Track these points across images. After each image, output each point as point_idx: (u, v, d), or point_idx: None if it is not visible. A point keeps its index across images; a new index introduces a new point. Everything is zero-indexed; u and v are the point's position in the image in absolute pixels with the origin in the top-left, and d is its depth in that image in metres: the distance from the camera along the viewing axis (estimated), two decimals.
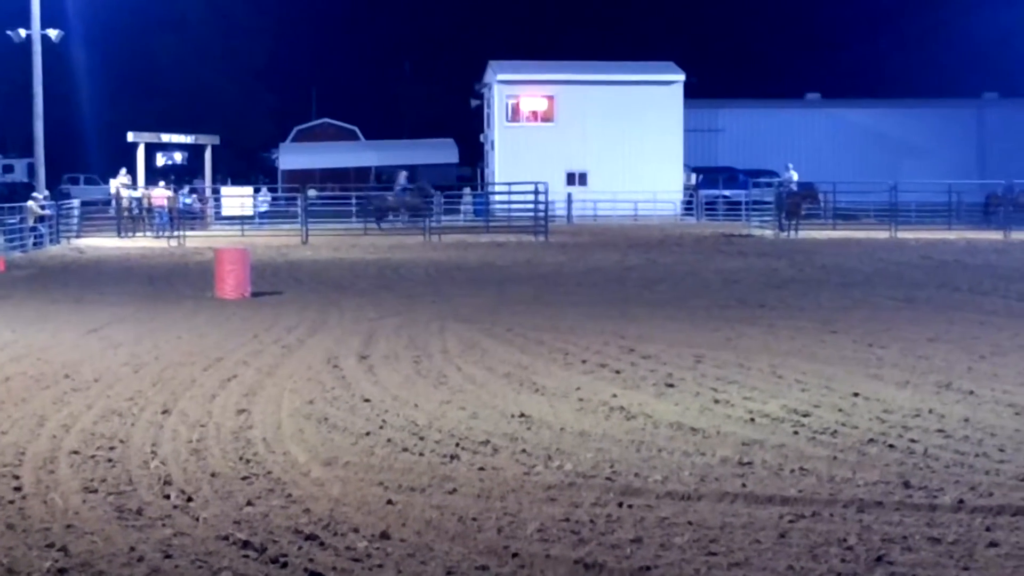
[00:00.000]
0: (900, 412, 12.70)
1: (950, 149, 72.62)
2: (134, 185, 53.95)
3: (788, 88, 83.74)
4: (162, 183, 55.78)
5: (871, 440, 11.43)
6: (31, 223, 42.20)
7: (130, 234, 48.69)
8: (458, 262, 35.42)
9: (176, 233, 45.64)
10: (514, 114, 67.53)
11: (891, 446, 11.21)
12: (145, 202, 51.08)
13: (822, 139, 73.50)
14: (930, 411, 12.74)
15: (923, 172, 63.76)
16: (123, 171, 53.99)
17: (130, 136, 58.74)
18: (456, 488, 9.88)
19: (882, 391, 13.90)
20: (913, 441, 11.39)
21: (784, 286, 27.45)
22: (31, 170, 60.18)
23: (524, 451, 11.11)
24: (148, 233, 48.59)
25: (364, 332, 19.33)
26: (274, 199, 62.45)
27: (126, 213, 50.45)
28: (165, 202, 50.27)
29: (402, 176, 56.91)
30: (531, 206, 51.13)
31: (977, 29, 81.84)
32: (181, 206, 50.87)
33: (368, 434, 11.84)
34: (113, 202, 52.03)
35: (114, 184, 52.75)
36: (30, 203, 42.74)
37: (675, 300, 24.61)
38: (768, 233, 48.28)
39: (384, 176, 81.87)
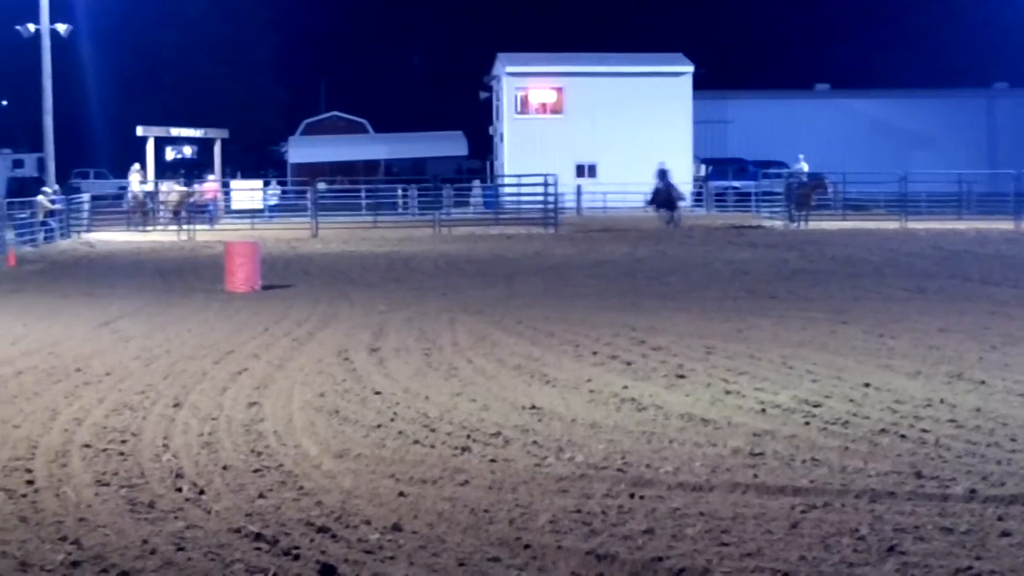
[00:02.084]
0: (911, 402, 12.68)
1: (960, 139, 72.55)
2: (145, 179, 54.10)
3: (797, 79, 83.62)
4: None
5: (883, 430, 11.42)
6: (41, 217, 42.27)
7: (143, 228, 48.78)
8: (468, 254, 35.42)
9: (187, 227, 45.70)
10: (523, 106, 67.55)
11: (903, 436, 11.19)
12: (197, 197, 51.26)
13: (832, 130, 73.38)
14: (941, 401, 12.72)
15: (933, 162, 63.67)
16: (136, 166, 54.06)
17: (139, 130, 58.85)
18: (468, 480, 9.89)
19: (893, 381, 13.88)
20: (925, 431, 11.37)
21: (794, 277, 27.43)
22: (41, 165, 60.29)
23: (535, 443, 11.11)
24: (159, 227, 48.62)
25: (375, 325, 19.33)
26: (284, 192, 62.51)
27: (141, 208, 50.59)
28: (215, 194, 50.84)
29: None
30: (541, 198, 51.14)
31: (987, 19, 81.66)
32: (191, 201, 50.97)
33: (379, 426, 11.84)
34: (130, 196, 51.95)
35: (136, 180, 52.64)
36: (40, 198, 42.83)
37: (685, 291, 24.59)
38: (778, 224, 48.25)
39: (395, 169, 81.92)
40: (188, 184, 52.63)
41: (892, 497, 9.24)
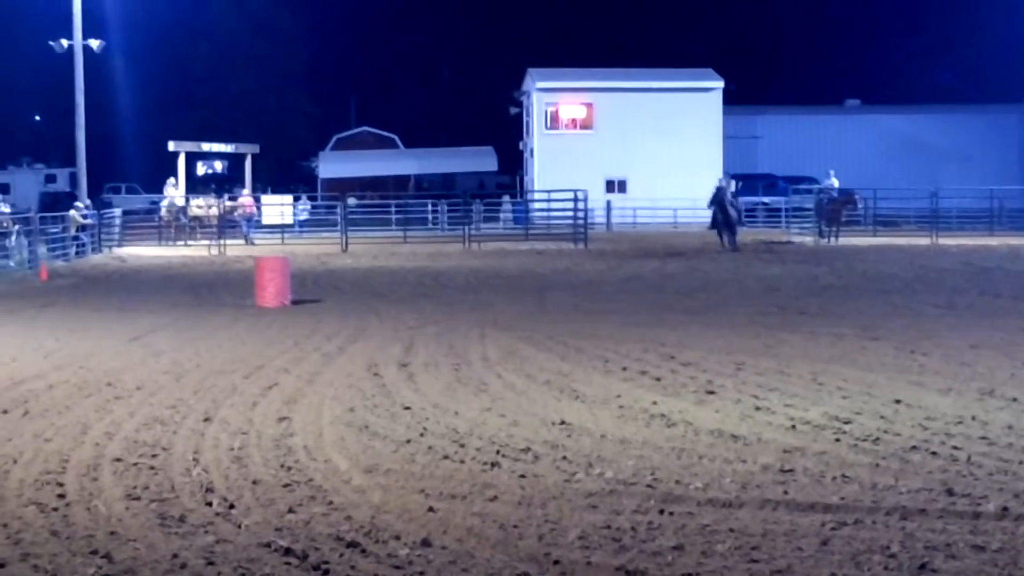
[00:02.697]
0: (943, 419, 12.62)
1: (992, 155, 72.21)
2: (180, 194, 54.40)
3: (827, 94, 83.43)
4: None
5: (914, 447, 11.37)
6: (73, 232, 42.51)
7: (177, 243, 49.02)
8: (498, 269, 35.44)
9: (218, 241, 45.87)
10: (553, 121, 67.60)
11: (934, 453, 11.14)
12: (240, 211, 51.65)
13: (862, 145, 73.18)
14: (973, 418, 12.66)
15: (964, 178, 63.48)
16: (172, 180, 54.26)
17: (171, 145, 59.15)
18: (497, 495, 9.88)
19: (924, 398, 13.82)
20: (956, 448, 11.31)
21: (824, 293, 27.34)
22: (73, 180, 60.61)
23: (565, 458, 11.10)
24: (199, 242, 48.79)
25: (404, 340, 19.36)
26: (314, 207, 62.67)
27: (176, 222, 50.85)
28: (253, 209, 51.29)
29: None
30: (570, 213, 51.15)
31: (1019, 33, 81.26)
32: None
33: (409, 441, 11.85)
34: (164, 211, 52.04)
35: (176, 195, 52.73)
36: (72, 212, 43.06)
37: (715, 307, 24.54)
38: (808, 240, 48.14)
39: (424, 184, 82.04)
40: (219, 199, 52.89)
41: (923, 514, 9.19)
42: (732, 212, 42.48)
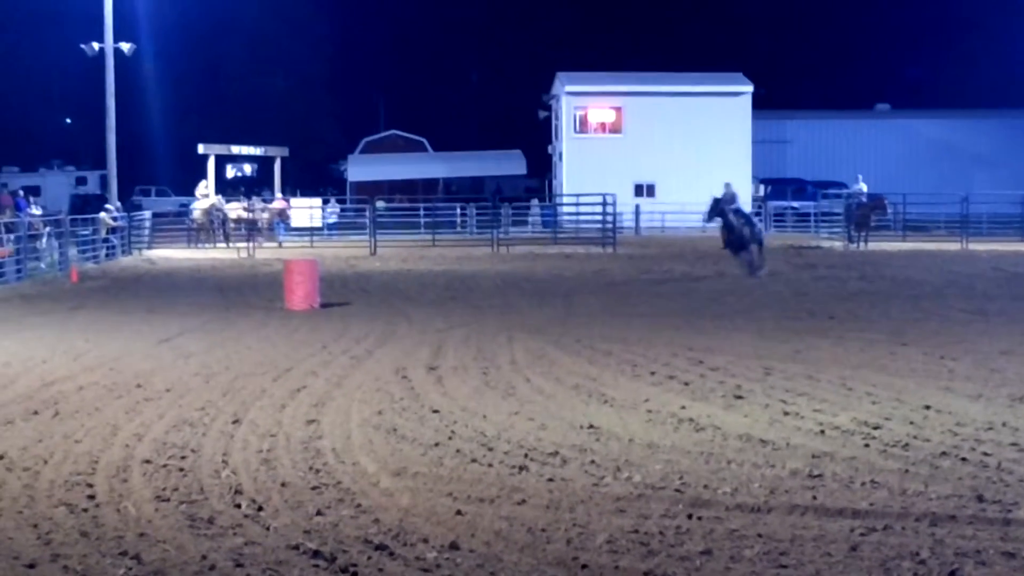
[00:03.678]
0: (973, 425, 12.57)
1: (1023, 160, 71.85)
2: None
3: (857, 99, 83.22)
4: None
5: (943, 453, 11.32)
6: (103, 234, 42.70)
7: (207, 245, 49.19)
8: (526, 273, 35.43)
9: (248, 244, 45.99)
10: (582, 125, 67.57)
11: (964, 459, 11.09)
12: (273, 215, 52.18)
13: (892, 150, 72.98)
14: (1003, 424, 12.60)
15: (995, 183, 63.17)
16: (204, 183, 54.34)
17: (201, 148, 59.34)
18: (525, 499, 9.88)
19: (954, 404, 13.77)
20: (986, 454, 11.26)
21: (853, 298, 27.25)
22: (104, 182, 60.86)
23: (593, 462, 11.09)
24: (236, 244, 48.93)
25: (432, 343, 19.37)
26: (343, 211, 62.81)
27: (209, 225, 50.98)
28: (288, 212, 51.88)
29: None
30: (599, 217, 51.13)
31: None
32: (220, 216, 51.39)
33: (437, 445, 11.86)
34: (198, 214, 51.98)
35: (212, 198, 52.70)
36: (102, 215, 43.26)
37: (743, 312, 24.49)
38: (837, 245, 48.00)
39: (453, 187, 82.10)
40: (249, 201, 53.08)
41: (953, 521, 9.16)
42: (737, 225, 33.83)
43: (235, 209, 51.74)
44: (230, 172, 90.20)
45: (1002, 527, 9.03)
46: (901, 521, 9.17)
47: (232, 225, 51.02)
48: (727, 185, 36.24)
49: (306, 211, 57.42)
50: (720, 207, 34.65)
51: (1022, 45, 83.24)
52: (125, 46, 51.76)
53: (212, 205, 51.25)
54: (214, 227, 50.90)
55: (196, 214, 51.67)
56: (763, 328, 21.46)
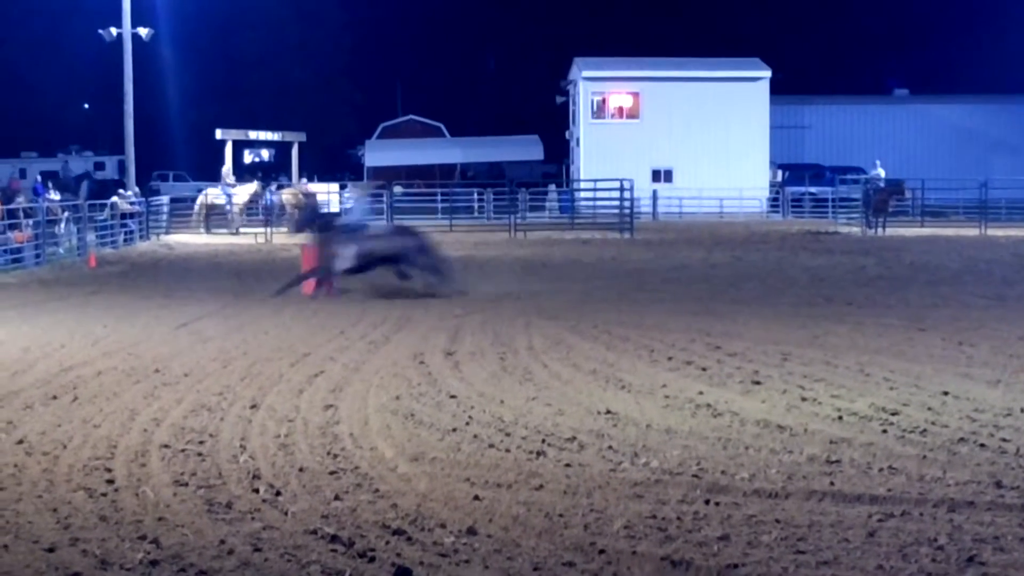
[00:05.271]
0: (991, 411, 12.53)
1: None
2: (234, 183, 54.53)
3: (876, 84, 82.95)
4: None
5: (961, 439, 11.29)
6: (111, 218, 42.71)
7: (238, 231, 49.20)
8: (543, 259, 35.42)
9: (267, 230, 46.03)
10: (599, 111, 67.57)
11: (982, 445, 11.06)
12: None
13: (910, 135, 72.79)
14: (1022, 410, 12.55)
15: (1015, 169, 62.98)
16: (227, 170, 54.31)
17: (218, 133, 59.50)
18: (542, 484, 9.88)
19: (972, 390, 13.72)
20: (1005, 440, 11.23)
21: (871, 283, 27.19)
22: (122, 167, 61.00)
23: (610, 448, 11.09)
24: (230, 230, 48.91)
25: (450, 328, 19.37)
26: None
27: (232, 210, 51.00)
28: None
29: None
30: (616, 203, 51.12)
31: None
32: (268, 203, 51.37)
33: (454, 430, 11.86)
34: (235, 201, 51.79)
35: (253, 185, 52.43)
36: (115, 199, 43.31)
37: (761, 297, 24.45)
38: (855, 230, 47.91)
39: (471, 173, 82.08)
40: (265, 187, 53.11)
41: (971, 507, 9.13)
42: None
43: (289, 193, 51.50)
44: (247, 157, 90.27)
45: (1020, 513, 9.00)
46: (919, 507, 9.15)
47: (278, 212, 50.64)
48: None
49: (324, 196, 57.40)
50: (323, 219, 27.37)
51: None
52: (143, 31, 51.82)
53: (255, 192, 51.11)
54: (229, 215, 50.79)
55: (236, 199, 51.09)
56: (781, 313, 21.43)
